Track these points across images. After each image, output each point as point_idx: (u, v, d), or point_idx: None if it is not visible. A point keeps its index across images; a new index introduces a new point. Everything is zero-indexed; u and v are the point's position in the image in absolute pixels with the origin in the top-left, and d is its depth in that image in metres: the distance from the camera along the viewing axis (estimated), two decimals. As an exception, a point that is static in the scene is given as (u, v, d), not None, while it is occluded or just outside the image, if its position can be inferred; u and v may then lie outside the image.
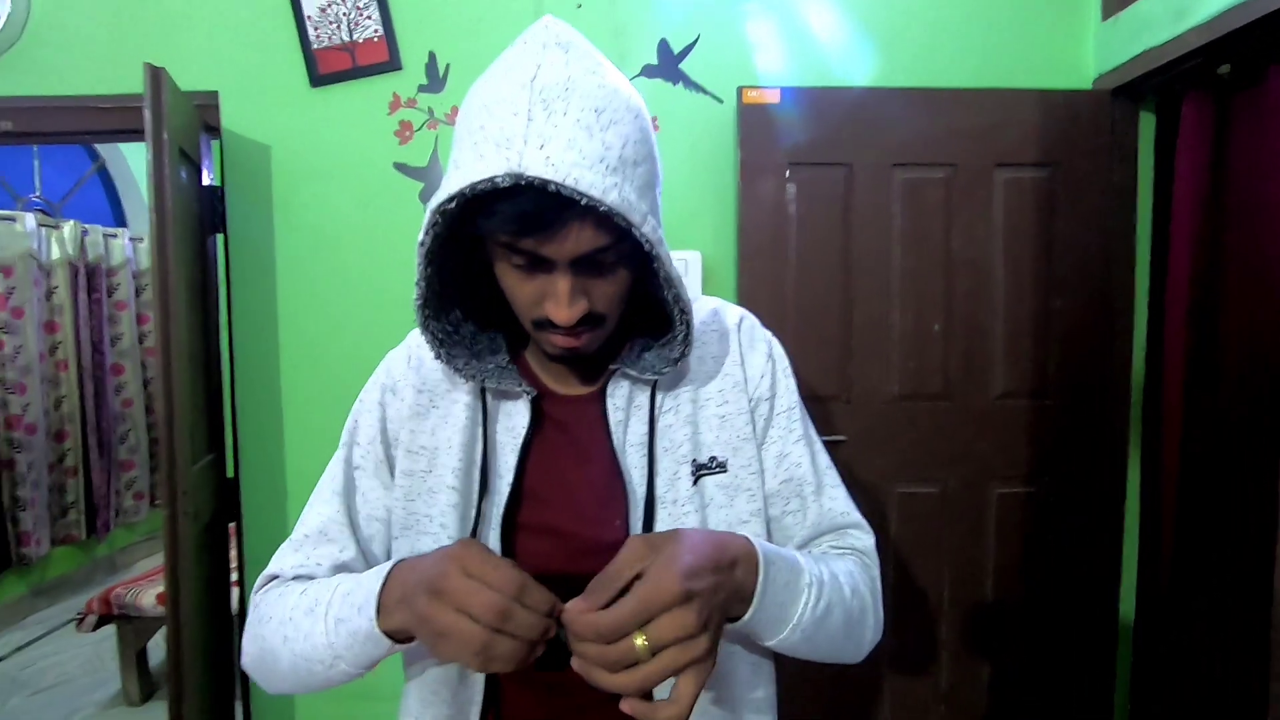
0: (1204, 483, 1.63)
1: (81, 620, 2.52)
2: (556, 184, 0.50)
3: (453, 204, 0.53)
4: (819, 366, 1.77)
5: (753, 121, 1.72)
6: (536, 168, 0.50)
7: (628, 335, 0.68)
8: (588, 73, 0.54)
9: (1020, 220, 1.76)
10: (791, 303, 1.76)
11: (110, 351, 3.80)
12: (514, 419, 0.66)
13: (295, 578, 0.66)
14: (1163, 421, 1.71)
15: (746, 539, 0.55)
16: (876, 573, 0.69)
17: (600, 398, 0.67)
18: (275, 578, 0.67)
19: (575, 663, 0.48)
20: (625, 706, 0.48)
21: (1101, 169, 1.76)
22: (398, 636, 0.55)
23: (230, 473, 1.87)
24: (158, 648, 2.83)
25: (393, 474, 0.68)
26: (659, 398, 0.67)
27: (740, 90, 1.71)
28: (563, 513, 0.65)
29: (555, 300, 0.56)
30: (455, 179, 0.53)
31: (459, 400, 0.67)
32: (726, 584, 0.51)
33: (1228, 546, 1.56)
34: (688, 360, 0.68)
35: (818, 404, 1.78)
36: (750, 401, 0.69)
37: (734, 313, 0.74)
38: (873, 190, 1.75)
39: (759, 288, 1.75)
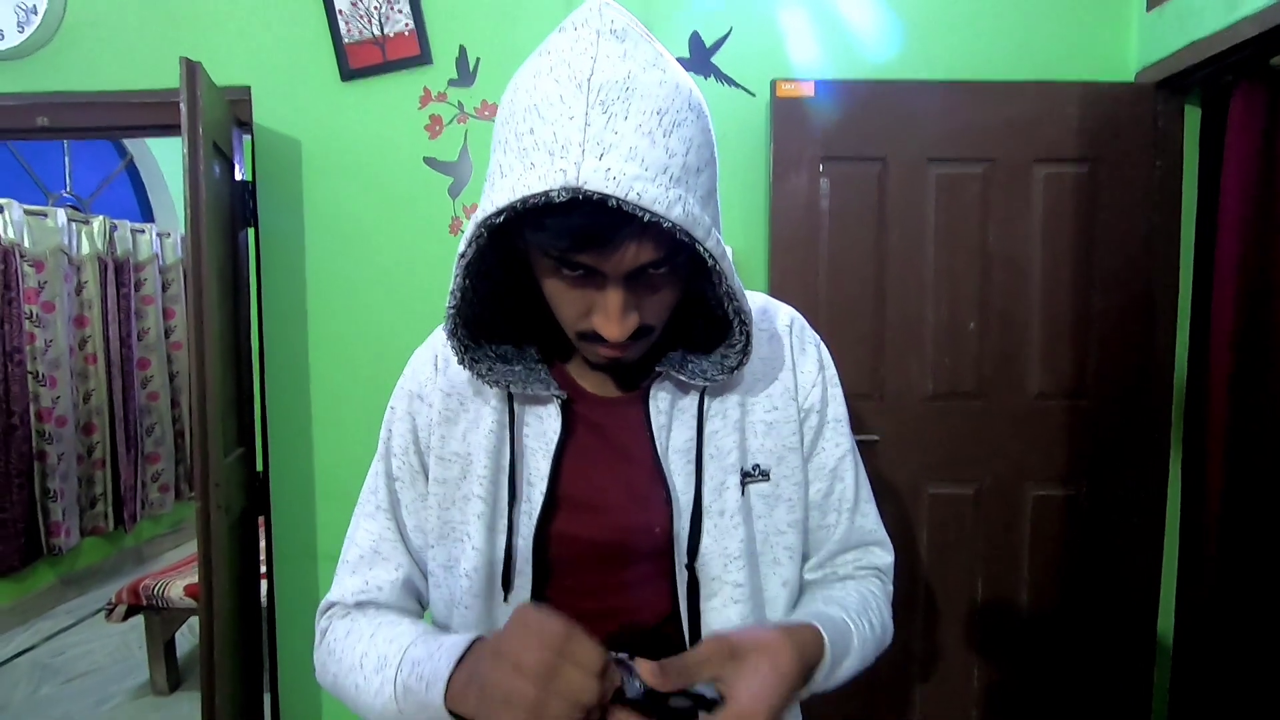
0: (1250, 488, 1.58)
1: (111, 610, 2.55)
2: (618, 199, 0.46)
3: (501, 217, 0.49)
4: (851, 364, 1.74)
5: (786, 115, 1.69)
6: (596, 182, 0.46)
7: (672, 337, 0.65)
8: (648, 66, 0.49)
9: (1060, 216, 1.72)
10: (823, 299, 1.73)
11: (137, 346, 3.85)
12: (545, 423, 0.63)
13: (358, 604, 0.65)
14: (1208, 424, 1.67)
15: (818, 633, 0.56)
16: (890, 589, 0.71)
17: (643, 400, 0.64)
18: (336, 604, 0.66)
19: None
20: None
21: (1144, 164, 1.72)
22: (464, 717, 0.52)
23: (259, 467, 1.88)
24: (185, 639, 2.87)
25: (427, 483, 0.67)
26: (706, 403, 0.64)
27: (774, 83, 1.69)
28: (600, 519, 0.62)
29: (605, 315, 0.53)
30: (503, 189, 0.49)
31: (488, 403, 0.65)
32: (804, 670, 0.53)
33: (1274, 555, 1.52)
34: (744, 366, 0.65)
35: (849, 402, 1.74)
36: (800, 411, 0.67)
37: (784, 313, 0.70)
38: (907, 185, 1.72)
39: (790, 283, 1.72)
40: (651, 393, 0.63)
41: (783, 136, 1.70)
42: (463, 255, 0.53)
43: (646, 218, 0.47)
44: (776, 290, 1.72)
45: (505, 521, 0.62)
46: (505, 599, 0.62)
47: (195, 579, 2.55)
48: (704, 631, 0.62)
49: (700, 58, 1.78)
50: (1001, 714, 1.84)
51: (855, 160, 1.71)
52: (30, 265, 3.19)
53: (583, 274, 0.52)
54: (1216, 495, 1.65)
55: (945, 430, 1.76)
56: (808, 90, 1.69)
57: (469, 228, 0.51)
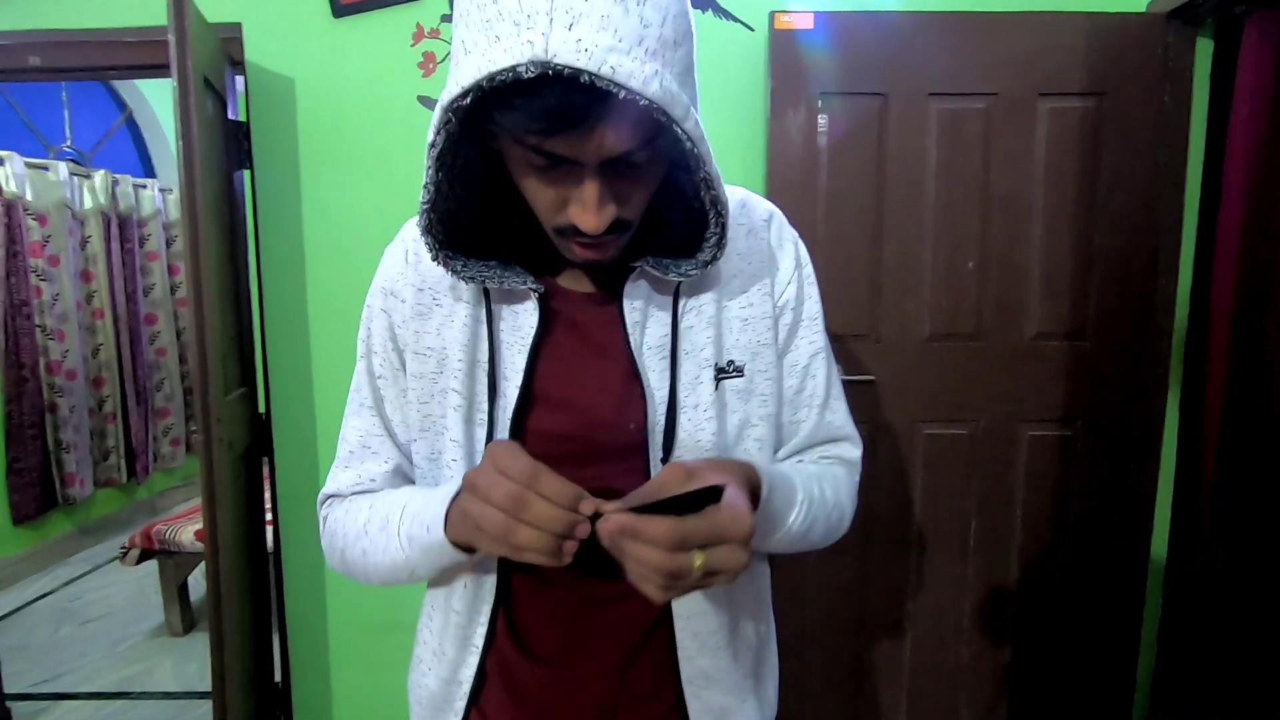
0: (1247, 433, 1.57)
1: (125, 554, 2.62)
2: (591, 74, 0.43)
3: (467, 99, 0.46)
4: (848, 304, 1.73)
5: (784, 49, 1.66)
6: (566, 54, 0.43)
7: (647, 234, 0.64)
8: None
9: (1063, 152, 1.69)
10: (821, 238, 1.72)
11: (143, 301, 3.88)
12: (521, 318, 0.63)
13: (354, 494, 0.69)
14: (1207, 368, 1.66)
15: (754, 467, 0.56)
16: (857, 479, 0.73)
17: (618, 298, 0.63)
18: (334, 496, 0.70)
19: (630, 566, 0.47)
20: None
21: (1153, 98, 1.68)
22: (464, 546, 0.56)
23: (261, 408, 1.90)
24: (197, 583, 2.95)
25: (406, 378, 0.67)
26: (681, 300, 0.64)
27: (772, 15, 1.65)
28: (575, 415, 0.63)
29: (582, 207, 0.52)
30: (468, 68, 0.46)
31: (462, 299, 0.64)
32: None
33: (1270, 501, 1.52)
34: (718, 261, 0.64)
35: (846, 342, 1.75)
36: (775, 307, 0.67)
37: (763, 208, 0.69)
38: (908, 121, 1.68)
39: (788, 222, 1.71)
40: (627, 290, 0.63)
41: (781, 71, 1.67)
42: (433, 145, 0.51)
43: (622, 94, 0.44)
44: (773, 230, 1.71)
45: (484, 415, 0.63)
46: None
47: (205, 524, 2.61)
48: None
49: (698, -9, 1.73)
50: (994, 647, 1.87)
51: (854, 95, 1.68)
52: (34, 219, 3.21)
53: (557, 165, 0.50)
54: (1213, 439, 1.65)
55: (942, 371, 1.76)
56: (806, 22, 1.65)
57: (436, 113, 0.49)
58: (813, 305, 0.69)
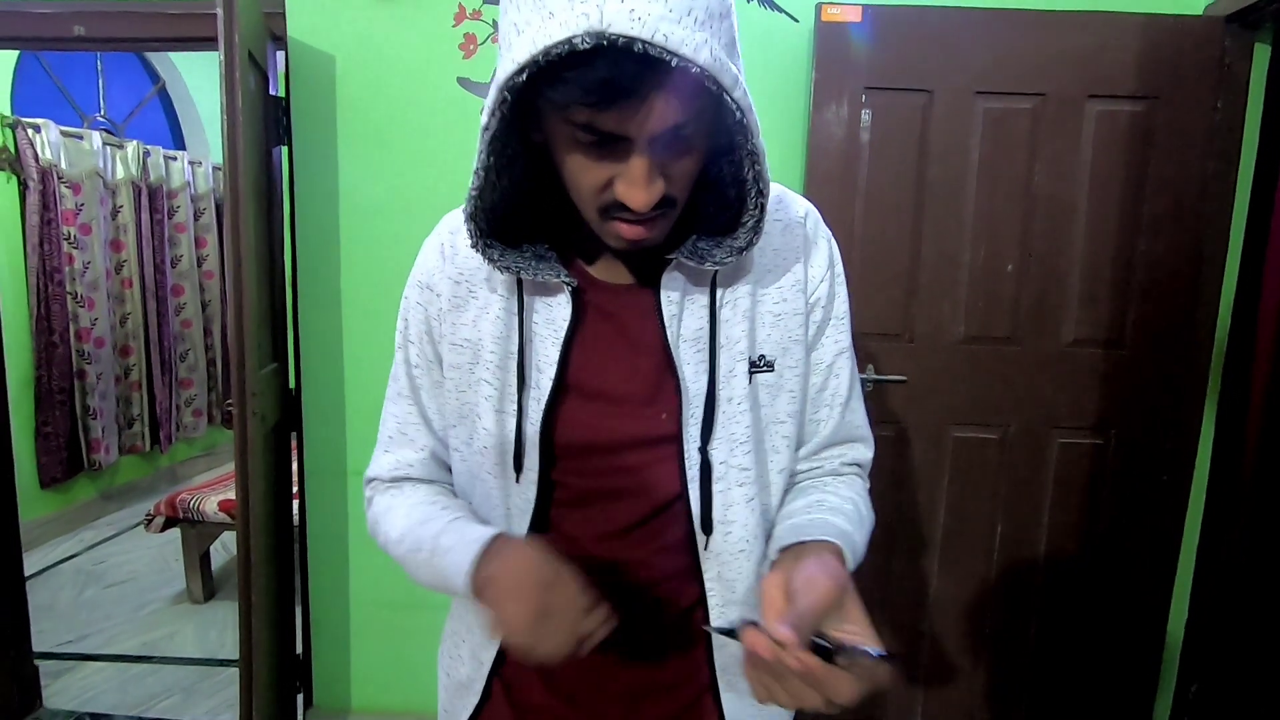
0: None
1: (150, 521, 2.66)
2: (644, 42, 0.44)
3: (523, 76, 0.47)
4: (883, 303, 1.72)
5: (830, 41, 1.63)
6: (621, 24, 0.43)
7: (683, 225, 0.63)
8: None
9: (1111, 156, 1.66)
10: (858, 235, 1.70)
11: (170, 272, 3.92)
12: (555, 310, 0.63)
13: (392, 479, 0.71)
14: (1249, 385, 1.63)
15: (839, 552, 0.59)
16: (868, 483, 0.74)
17: (654, 289, 0.63)
18: (375, 479, 0.73)
19: (748, 671, 0.50)
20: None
21: (1206, 104, 1.64)
22: None
23: (292, 384, 1.92)
24: (218, 554, 3.00)
25: (442, 369, 0.68)
26: (719, 291, 0.64)
27: (819, 7, 1.62)
28: (607, 406, 0.64)
29: (630, 182, 0.51)
30: (521, 46, 0.46)
31: (496, 291, 0.65)
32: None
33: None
34: (748, 252, 0.64)
35: (879, 342, 1.73)
36: (807, 304, 0.67)
37: (799, 204, 0.69)
38: (953, 119, 1.66)
39: (825, 217, 1.68)
40: (664, 281, 0.63)
41: (825, 64, 1.64)
42: (486, 128, 0.51)
43: (675, 62, 0.45)
44: (810, 225, 1.69)
45: (514, 405, 0.64)
46: (517, 480, 0.65)
47: (229, 495, 2.65)
48: (715, 512, 0.64)
49: (743, -21, 1.71)
50: (1015, 655, 1.86)
51: (900, 91, 1.65)
52: (67, 187, 3.24)
53: (604, 140, 0.50)
54: (1250, 457, 1.63)
55: (974, 374, 1.74)
56: (854, 15, 1.62)
57: (491, 94, 0.49)
58: (841, 304, 0.69)
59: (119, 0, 1.78)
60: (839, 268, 0.69)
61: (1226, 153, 1.67)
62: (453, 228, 0.69)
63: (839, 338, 0.69)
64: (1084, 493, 1.78)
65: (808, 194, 1.70)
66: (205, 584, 2.78)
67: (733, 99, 0.48)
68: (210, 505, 2.62)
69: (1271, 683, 1.56)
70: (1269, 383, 1.59)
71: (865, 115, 1.67)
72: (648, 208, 0.52)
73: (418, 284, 0.69)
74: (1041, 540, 1.81)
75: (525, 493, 0.64)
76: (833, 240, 0.70)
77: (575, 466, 0.65)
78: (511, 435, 0.64)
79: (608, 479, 0.65)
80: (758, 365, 0.65)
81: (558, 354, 0.62)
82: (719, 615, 0.65)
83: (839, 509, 0.65)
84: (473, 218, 0.58)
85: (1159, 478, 1.77)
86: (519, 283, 0.64)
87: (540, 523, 0.65)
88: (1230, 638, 1.70)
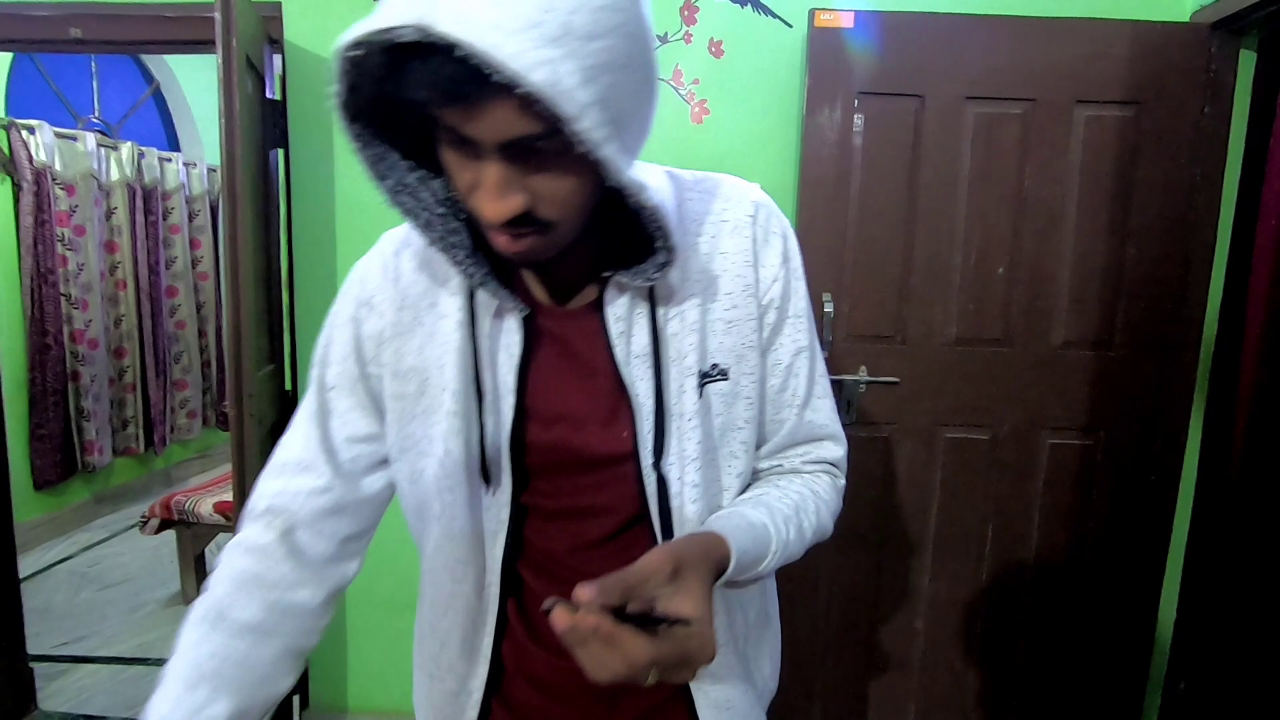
0: (1273, 452, 1.57)
1: (145, 523, 2.66)
2: (467, 47, 0.40)
3: (360, 51, 0.44)
4: (875, 305, 1.74)
5: (823, 47, 1.65)
6: (445, 22, 0.40)
7: (619, 240, 0.61)
8: None
9: (1099, 161, 1.69)
10: (851, 239, 1.72)
11: (165, 274, 3.91)
12: (509, 336, 0.62)
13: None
14: (1236, 385, 1.65)
15: (726, 545, 0.54)
16: (841, 482, 0.72)
17: (599, 309, 0.62)
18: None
19: (585, 656, 0.45)
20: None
21: (1192, 110, 1.67)
22: None
23: (288, 386, 1.93)
24: (213, 554, 2.99)
25: (370, 393, 0.66)
26: (663, 307, 0.62)
27: (812, 13, 1.64)
28: (568, 429, 0.63)
29: (483, 190, 0.49)
30: (367, 21, 0.44)
31: (446, 315, 0.62)
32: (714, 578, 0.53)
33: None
34: (694, 259, 0.63)
35: (871, 344, 1.75)
36: (760, 307, 0.64)
37: (747, 200, 0.65)
38: (944, 124, 1.68)
39: (818, 222, 1.71)
40: (606, 300, 0.61)
41: (818, 69, 1.66)
42: (337, 94, 0.48)
43: (498, 76, 0.41)
44: (803, 227, 1.71)
45: (478, 427, 0.62)
46: (489, 492, 0.63)
47: (224, 497, 2.65)
48: (674, 528, 0.63)
49: (738, -15, 1.73)
50: (1004, 653, 1.88)
51: (892, 96, 1.67)
52: (61, 188, 3.24)
53: (463, 141, 0.48)
54: (1237, 457, 1.65)
55: (966, 376, 1.76)
56: (847, 21, 1.64)
57: (334, 63, 0.47)
58: (799, 302, 0.67)
59: (116, 3, 1.78)
60: (795, 263, 0.66)
61: (1213, 157, 1.69)
62: (396, 247, 0.66)
63: (796, 336, 0.67)
64: (1074, 492, 1.81)
65: (801, 197, 1.72)
66: (200, 585, 2.77)
67: (577, 129, 0.43)
68: (205, 507, 2.62)
69: (1259, 679, 1.59)
70: (1255, 383, 1.61)
71: (858, 120, 1.69)
72: (499, 219, 0.49)
73: (355, 300, 0.66)
74: (1032, 540, 1.83)
75: (499, 514, 0.64)
76: (789, 234, 0.66)
77: (544, 486, 0.65)
78: (478, 454, 0.62)
79: (576, 497, 0.65)
80: (710, 375, 0.63)
81: (514, 380, 0.61)
82: None
83: (767, 503, 0.63)
84: (402, 205, 0.56)
85: (1147, 477, 1.79)
86: (469, 305, 0.62)
87: (515, 541, 0.65)
88: (1219, 635, 1.72)
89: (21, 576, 2.16)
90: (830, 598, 1.85)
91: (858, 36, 1.65)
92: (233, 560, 0.65)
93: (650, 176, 0.57)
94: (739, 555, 0.55)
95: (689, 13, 1.74)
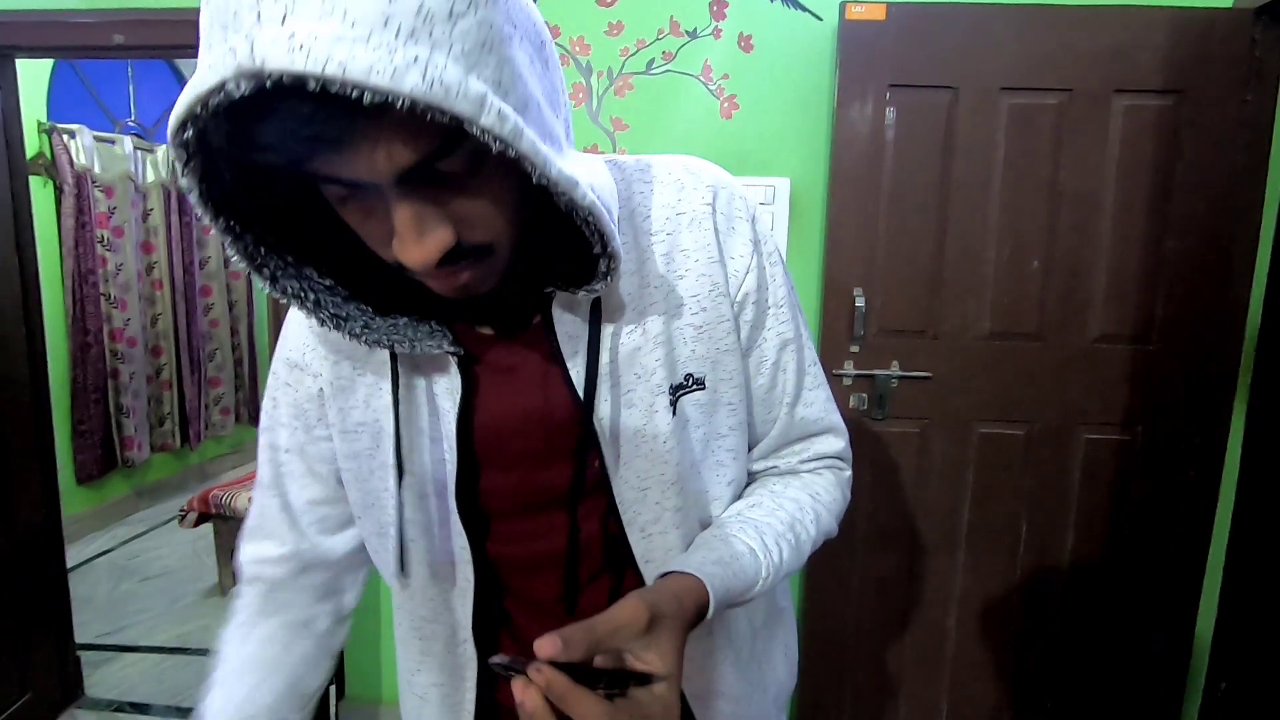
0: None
1: (184, 517, 2.73)
2: (316, 78, 0.32)
3: (189, 132, 0.36)
4: (907, 300, 1.73)
5: (854, 40, 1.64)
6: (278, 57, 0.32)
7: (560, 251, 0.53)
8: None
9: (1138, 152, 1.65)
10: (882, 233, 1.71)
11: (199, 274, 4.00)
12: (447, 381, 0.56)
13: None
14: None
15: (703, 587, 0.50)
16: (846, 475, 0.66)
17: (548, 330, 0.55)
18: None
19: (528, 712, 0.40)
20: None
21: (1235, 98, 1.63)
22: None
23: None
24: (249, 548, 3.05)
25: (321, 456, 0.62)
26: (619, 321, 0.55)
27: (843, 6, 1.63)
28: (530, 468, 0.58)
29: (400, 239, 0.41)
30: (186, 91, 0.36)
31: (385, 363, 0.56)
32: (689, 624, 0.49)
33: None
34: (651, 262, 0.56)
35: (904, 338, 1.74)
36: (733, 305, 0.58)
37: (702, 188, 0.57)
38: (978, 116, 1.66)
39: (849, 216, 1.70)
40: (555, 318, 0.54)
41: (849, 62, 1.65)
42: (189, 190, 0.41)
43: (367, 98, 0.33)
44: (834, 222, 1.71)
45: (430, 489, 0.58)
46: (453, 577, 0.60)
47: (259, 491, 2.70)
48: (655, 557, 0.59)
49: (767, -21, 1.72)
50: (1039, 653, 1.86)
51: (924, 88, 1.66)
52: (101, 191, 3.32)
53: (357, 192, 0.40)
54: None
55: (1000, 370, 1.74)
56: (878, 13, 1.63)
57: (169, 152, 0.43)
58: (777, 290, 0.60)
59: (157, 8, 1.82)
60: (768, 247, 0.59)
61: (1256, 146, 1.65)
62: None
63: (780, 329, 0.60)
64: (1111, 489, 1.78)
65: (832, 191, 1.71)
66: (237, 578, 2.84)
67: (480, 128, 0.36)
68: (241, 501, 2.68)
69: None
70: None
71: (890, 113, 1.67)
72: (429, 263, 0.42)
73: (286, 362, 0.61)
74: (1068, 537, 1.81)
75: (464, 571, 0.59)
76: (756, 218, 0.59)
77: (515, 532, 0.60)
78: (436, 517, 0.58)
79: (553, 539, 0.60)
80: (685, 387, 0.57)
81: (454, 429, 0.55)
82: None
83: (757, 523, 0.58)
84: (285, 290, 0.48)
85: (1187, 474, 1.76)
86: (393, 355, 0.55)
87: (495, 592, 0.62)
88: (1261, 636, 1.69)
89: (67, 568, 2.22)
90: (862, 593, 1.85)
91: (889, 28, 1.64)
92: (234, 612, 0.68)
93: (587, 169, 0.47)
94: (718, 600, 0.50)
95: (718, 8, 1.74)
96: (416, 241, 0.41)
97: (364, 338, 0.51)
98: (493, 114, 0.36)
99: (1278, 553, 1.62)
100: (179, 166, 0.39)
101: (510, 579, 0.63)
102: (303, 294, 0.49)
